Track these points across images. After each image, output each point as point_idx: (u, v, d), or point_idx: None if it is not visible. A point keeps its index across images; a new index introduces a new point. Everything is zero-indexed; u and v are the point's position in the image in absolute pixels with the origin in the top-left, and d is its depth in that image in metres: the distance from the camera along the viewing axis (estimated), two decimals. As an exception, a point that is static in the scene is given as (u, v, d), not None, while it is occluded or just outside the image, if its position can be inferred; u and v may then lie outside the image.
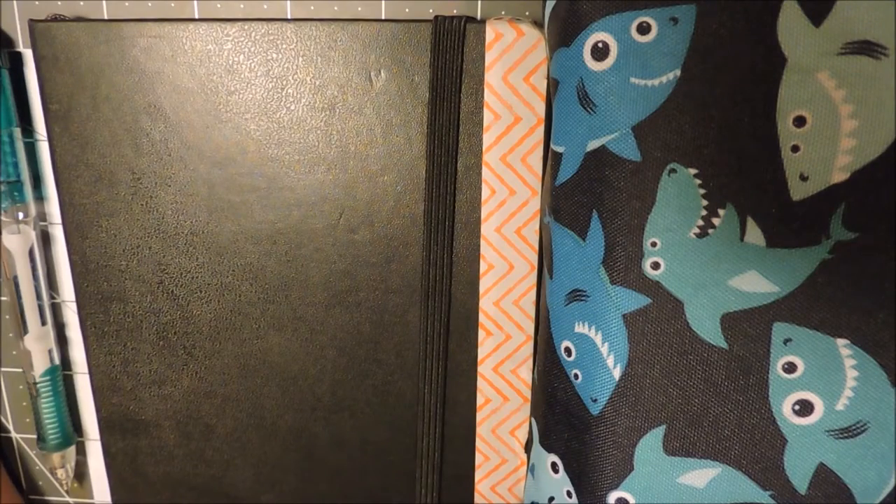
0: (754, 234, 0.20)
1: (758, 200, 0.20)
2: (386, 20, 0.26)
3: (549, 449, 0.25)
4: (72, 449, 0.34)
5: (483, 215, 0.28)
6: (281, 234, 0.29)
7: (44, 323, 0.32)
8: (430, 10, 0.28)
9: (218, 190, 0.29)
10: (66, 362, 0.34)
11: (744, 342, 0.21)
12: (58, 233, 0.32)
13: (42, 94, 0.28)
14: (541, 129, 0.27)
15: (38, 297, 0.32)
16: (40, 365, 0.32)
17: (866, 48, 0.19)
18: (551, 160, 0.24)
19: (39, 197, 0.32)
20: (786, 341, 0.21)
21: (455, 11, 0.28)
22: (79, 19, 0.28)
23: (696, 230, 0.21)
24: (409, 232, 0.28)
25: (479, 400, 0.30)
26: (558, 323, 0.24)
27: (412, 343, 0.30)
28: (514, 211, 0.28)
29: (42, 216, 0.32)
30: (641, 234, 0.21)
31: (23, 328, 0.32)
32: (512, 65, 0.26)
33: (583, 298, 0.23)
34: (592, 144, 0.21)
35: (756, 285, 0.20)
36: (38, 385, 0.32)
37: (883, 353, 0.20)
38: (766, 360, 0.21)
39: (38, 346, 0.32)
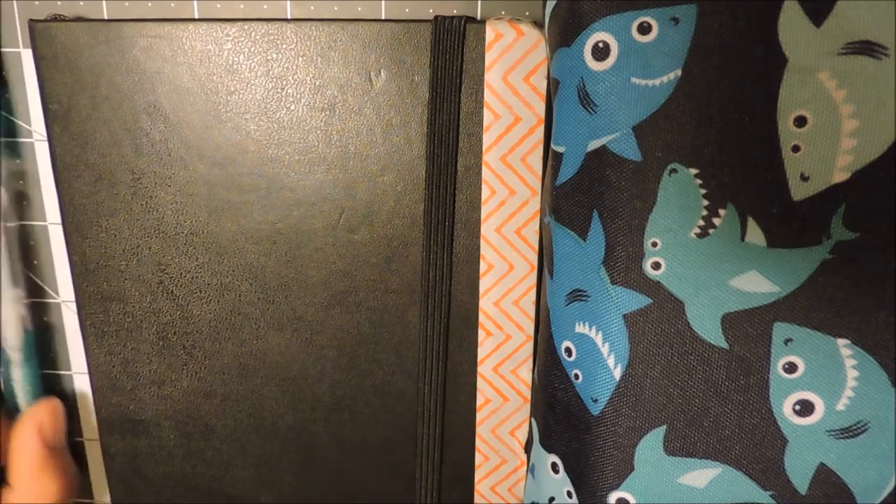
0: (755, 234, 0.20)
1: (758, 200, 0.20)
2: (386, 20, 0.26)
3: (549, 449, 0.25)
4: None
5: (483, 215, 0.28)
6: (281, 234, 0.29)
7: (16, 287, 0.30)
8: (430, 10, 0.28)
9: (218, 190, 0.28)
10: (65, 362, 0.34)
11: (744, 342, 0.21)
12: (58, 233, 0.32)
13: (42, 94, 0.28)
14: (541, 129, 0.27)
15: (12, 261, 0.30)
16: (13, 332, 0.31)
17: (867, 48, 0.19)
18: (552, 160, 0.24)
19: (15, 157, 0.31)
20: (786, 341, 0.21)
21: (455, 11, 0.28)
22: (79, 19, 0.28)
23: (697, 230, 0.21)
24: (409, 232, 0.28)
25: (479, 400, 0.30)
26: (559, 323, 0.24)
27: (412, 343, 0.30)
28: (514, 211, 0.28)
29: (20, 175, 0.31)
30: (642, 234, 0.21)
31: None
32: (512, 65, 0.26)
33: (583, 298, 0.23)
34: (593, 144, 0.21)
35: (757, 285, 0.20)
36: (11, 353, 0.31)
37: (883, 353, 0.20)
38: (766, 360, 0.21)
39: (9, 311, 0.30)
